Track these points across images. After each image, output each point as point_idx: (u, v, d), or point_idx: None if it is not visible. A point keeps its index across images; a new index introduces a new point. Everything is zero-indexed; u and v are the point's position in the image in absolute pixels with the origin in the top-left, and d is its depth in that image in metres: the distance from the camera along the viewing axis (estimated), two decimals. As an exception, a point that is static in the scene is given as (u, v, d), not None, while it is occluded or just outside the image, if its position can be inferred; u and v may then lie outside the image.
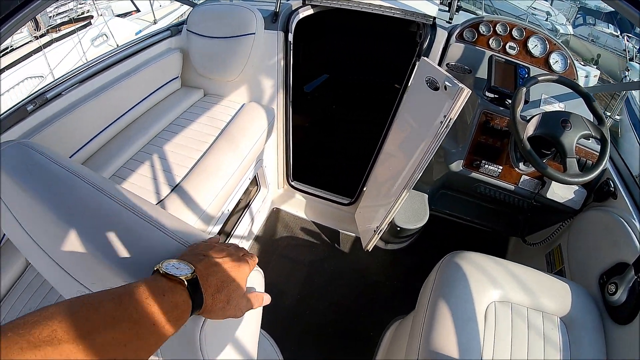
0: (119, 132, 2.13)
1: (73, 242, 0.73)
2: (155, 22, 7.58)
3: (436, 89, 1.49)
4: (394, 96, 2.09)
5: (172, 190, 1.75)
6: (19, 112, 1.68)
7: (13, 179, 0.87)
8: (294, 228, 2.60)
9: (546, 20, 13.59)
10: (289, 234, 2.56)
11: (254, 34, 2.13)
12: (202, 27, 2.27)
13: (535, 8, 13.78)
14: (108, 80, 2.06)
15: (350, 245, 2.47)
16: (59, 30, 7.25)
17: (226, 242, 2.22)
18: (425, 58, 1.64)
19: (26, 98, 1.78)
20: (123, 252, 0.69)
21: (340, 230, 2.55)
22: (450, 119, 1.38)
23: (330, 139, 3.27)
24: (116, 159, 1.95)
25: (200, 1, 2.63)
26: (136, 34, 7.29)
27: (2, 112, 1.68)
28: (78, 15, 7.98)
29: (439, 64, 1.95)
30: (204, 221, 1.73)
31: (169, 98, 2.38)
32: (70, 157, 1.87)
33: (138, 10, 11.19)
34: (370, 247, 2.09)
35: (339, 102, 3.58)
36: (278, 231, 2.58)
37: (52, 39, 6.71)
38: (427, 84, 1.54)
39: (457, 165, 1.82)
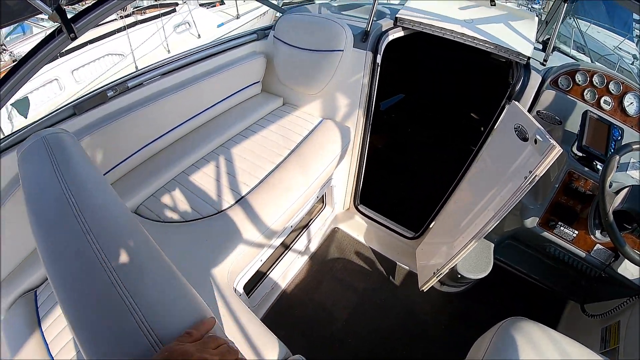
0: (194, 129, 2.21)
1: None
2: (237, 17, 7.79)
3: (525, 139, 1.43)
4: (469, 123, 1.97)
5: (237, 202, 1.80)
6: (100, 96, 1.77)
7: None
8: (351, 251, 2.58)
9: (632, 64, 12.79)
10: (345, 257, 2.54)
11: (342, 51, 2.13)
12: (290, 36, 2.30)
13: (621, 49, 13.02)
14: (190, 77, 2.14)
15: (405, 279, 2.42)
16: (144, 12, 7.57)
17: (283, 255, 2.19)
18: (516, 103, 1.58)
19: (109, 84, 1.85)
20: (86, 338, 0.65)
21: (397, 263, 2.50)
22: (536, 176, 1.33)
23: (403, 162, 3.18)
24: (188, 157, 2.03)
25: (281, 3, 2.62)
26: (218, 26, 7.53)
27: (80, 98, 1.75)
28: (164, 1, 8.30)
29: (530, 110, 1.87)
30: (266, 236, 1.75)
31: (248, 102, 2.45)
32: (143, 148, 1.97)
33: (222, 3, 11.53)
34: (426, 288, 2.03)
35: (414, 124, 3.48)
36: (335, 252, 2.58)
37: (136, 20, 7.04)
38: (515, 131, 1.49)
39: (531, 222, 1.74)
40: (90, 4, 1.43)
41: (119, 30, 6.47)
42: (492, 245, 2.04)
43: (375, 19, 2.16)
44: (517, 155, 1.46)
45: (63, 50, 1.38)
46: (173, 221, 1.72)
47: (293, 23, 2.31)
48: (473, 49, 2.00)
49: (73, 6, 3.71)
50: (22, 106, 5.75)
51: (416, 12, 2.12)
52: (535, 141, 1.33)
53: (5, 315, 1.45)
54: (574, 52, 2.64)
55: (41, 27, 10.55)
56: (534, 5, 5.69)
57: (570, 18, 3.30)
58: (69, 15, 1.36)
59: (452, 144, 3.02)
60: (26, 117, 5.74)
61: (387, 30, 2.14)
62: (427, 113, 3.55)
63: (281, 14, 2.45)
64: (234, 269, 1.60)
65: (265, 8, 8.27)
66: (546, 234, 1.72)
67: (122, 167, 1.89)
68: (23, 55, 1.42)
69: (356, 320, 2.19)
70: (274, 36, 2.38)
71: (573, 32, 3.36)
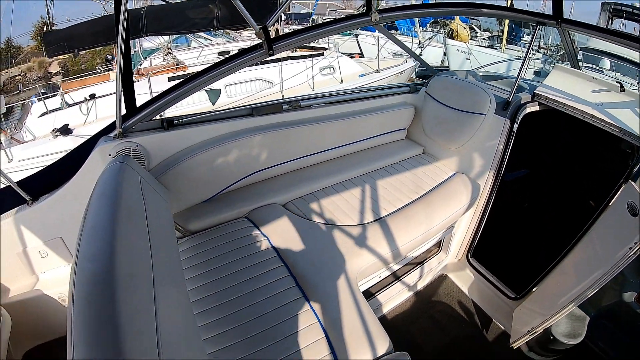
0: (343, 155, 2.70)
1: None
2: (378, 71, 8.47)
3: (635, 215, 1.61)
4: (587, 212, 2.09)
5: (375, 220, 2.19)
6: (276, 107, 2.32)
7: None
8: (453, 299, 2.79)
9: None
10: (446, 302, 2.76)
11: (485, 115, 2.46)
12: (441, 94, 2.70)
13: None
14: (349, 111, 2.63)
15: (497, 338, 2.55)
16: (295, 50, 8.56)
17: (393, 282, 2.47)
18: (632, 183, 1.75)
19: (286, 99, 2.42)
20: None
21: (493, 320, 2.64)
22: (640, 247, 1.50)
23: (519, 229, 3.29)
24: (335, 176, 2.51)
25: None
26: (360, 75, 8.26)
27: (260, 103, 2.31)
28: (315, 44, 9.27)
29: None
30: (393, 255, 2.08)
31: (393, 144, 2.91)
32: (301, 158, 2.49)
33: (362, 55, 12.48)
34: (516, 345, 2.18)
35: (532, 201, 3.58)
36: (438, 295, 2.81)
37: (288, 56, 7.98)
38: (627, 208, 1.66)
39: (629, 297, 1.85)
40: (289, 32, 1.93)
41: (274, 60, 7.43)
42: (588, 318, 2.13)
43: (515, 91, 2.44)
44: (625, 229, 1.63)
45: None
46: (316, 221, 2.14)
47: (445, 83, 2.72)
48: (599, 130, 2.14)
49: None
50: (214, 95, 7.01)
51: (553, 90, 2.35)
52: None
53: None
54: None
55: (199, 42, 12.28)
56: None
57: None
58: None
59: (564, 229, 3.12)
60: (213, 105, 6.96)
61: (525, 103, 2.40)
62: (549, 194, 3.62)
63: (429, 72, 2.87)
64: (360, 272, 1.95)
65: (402, 67, 8.90)
66: (640, 312, 1.82)
67: (281, 167, 2.42)
68: (227, 57, 1.92)
69: (439, 361, 2.38)
70: (425, 92, 2.79)
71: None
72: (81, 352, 0.77)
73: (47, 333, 2.04)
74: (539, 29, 2.52)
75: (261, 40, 1.81)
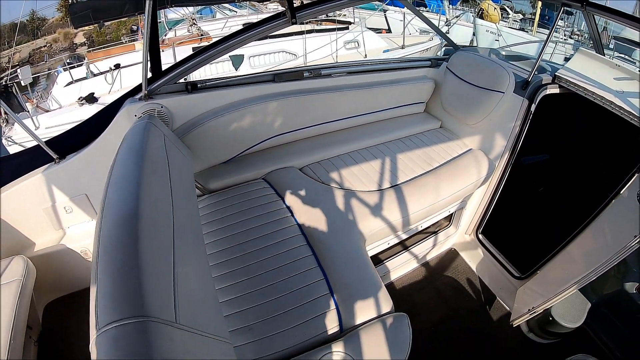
0: (361, 125, 2.78)
1: None
2: (403, 47, 8.43)
3: None
4: (598, 199, 2.11)
5: (391, 186, 2.28)
6: (298, 74, 2.40)
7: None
8: (459, 273, 2.86)
9: None
10: (452, 275, 2.84)
11: (503, 93, 2.47)
12: (461, 70, 2.72)
13: None
14: (370, 81, 2.69)
15: (499, 316, 2.61)
16: (320, 23, 8.55)
17: (402, 252, 2.56)
18: None
19: (307, 66, 2.52)
20: None
21: (497, 297, 2.70)
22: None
23: (529, 211, 3.33)
24: (352, 143, 2.59)
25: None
26: (384, 51, 8.22)
27: (282, 70, 2.40)
28: (340, 17, 9.24)
29: None
30: (403, 223, 2.16)
31: (410, 117, 2.96)
32: (319, 125, 2.58)
33: (389, 31, 12.35)
34: (516, 324, 2.25)
35: (551, 184, 3.59)
36: (445, 268, 2.89)
37: (313, 29, 8.00)
38: (637, 197, 1.69)
39: (631, 287, 1.88)
40: (312, 2, 1.97)
41: (298, 33, 7.46)
42: (589, 305, 2.18)
43: (537, 72, 2.44)
44: (633, 217, 1.67)
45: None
46: (331, 185, 2.24)
47: (466, 60, 2.74)
48: (618, 118, 2.13)
49: None
50: (237, 60, 7.40)
51: (574, 73, 2.35)
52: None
53: None
54: None
55: (224, 14, 12.34)
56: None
57: None
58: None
59: (578, 203, 3.14)
60: (237, 70, 7.40)
61: (545, 85, 2.40)
62: (566, 180, 3.63)
63: (454, 50, 2.89)
64: (369, 236, 2.04)
65: (428, 44, 8.83)
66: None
67: (299, 133, 2.52)
68: (250, 24, 1.95)
69: (439, 332, 2.45)
70: (446, 67, 2.82)
71: None
72: (105, 307, 0.83)
73: (69, 285, 2.20)
74: (572, 12, 2.48)
75: (284, 9, 1.86)
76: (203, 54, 1.91)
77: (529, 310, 2.11)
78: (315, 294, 1.60)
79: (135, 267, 0.92)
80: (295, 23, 1.91)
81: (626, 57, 8.91)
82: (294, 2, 1.87)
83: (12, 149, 6.14)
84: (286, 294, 1.59)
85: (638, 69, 2.41)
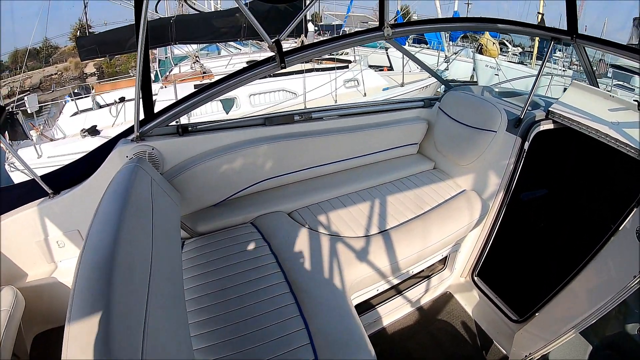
0: (352, 167, 2.77)
1: None
2: (402, 85, 8.55)
3: None
4: (597, 236, 2.08)
5: (380, 232, 2.26)
6: (288, 117, 2.42)
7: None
8: (454, 317, 2.77)
9: None
10: (447, 320, 2.75)
11: (496, 132, 2.47)
12: (453, 109, 2.75)
13: None
14: (361, 124, 2.70)
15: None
16: (321, 62, 8.71)
17: (393, 297, 2.51)
18: None
19: (298, 110, 2.52)
20: None
21: (494, 341, 2.60)
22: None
23: (527, 249, 3.27)
24: (342, 187, 2.59)
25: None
26: (383, 89, 8.37)
27: (272, 113, 2.44)
28: (340, 56, 9.43)
29: None
30: (392, 269, 2.14)
31: (403, 159, 2.96)
32: (309, 169, 2.58)
33: (391, 69, 12.57)
34: None
35: (549, 221, 3.56)
36: (439, 312, 2.80)
37: (313, 67, 8.14)
38: (636, 234, 1.66)
39: (633, 328, 1.81)
40: (300, 46, 2.03)
41: (298, 72, 7.61)
42: (590, 348, 2.11)
43: (530, 108, 2.44)
44: (632, 257, 1.63)
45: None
46: (318, 230, 2.23)
47: (457, 99, 2.76)
48: (615, 150, 2.09)
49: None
50: (227, 104, 7.49)
51: (568, 107, 2.33)
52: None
53: None
54: None
55: (228, 51, 12.64)
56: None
57: None
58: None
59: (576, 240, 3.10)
60: (227, 113, 7.42)
61: (539, 121, 2.39)
62: (566, 216, 3.59)
63: (447, 89, 2.94)
64: (355, 284, 2.01)
65: (427, 82, 8.94)
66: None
67: (289, 177, 2.52)
68: (240, 69, 2.03)
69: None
70: (438, 107, 2.84)
71: None
72: (73, 347, 0.85)
73: (59, 318, 2.14)
74: (560, 45, 2.53)
75: (274, 53, 1.92)
76: (194, 97, 1.95)
77: (526, 356, 2.06)
78: (295, 343, 1.57)
79: (106, 311, 0.92)
80: (285, 67, 1.97)
81: (625, 84, 8.98)
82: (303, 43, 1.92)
83: (15, 175, 6.40)
84: (266, 343, 1.56)
85: (638, 96, 2.42)
